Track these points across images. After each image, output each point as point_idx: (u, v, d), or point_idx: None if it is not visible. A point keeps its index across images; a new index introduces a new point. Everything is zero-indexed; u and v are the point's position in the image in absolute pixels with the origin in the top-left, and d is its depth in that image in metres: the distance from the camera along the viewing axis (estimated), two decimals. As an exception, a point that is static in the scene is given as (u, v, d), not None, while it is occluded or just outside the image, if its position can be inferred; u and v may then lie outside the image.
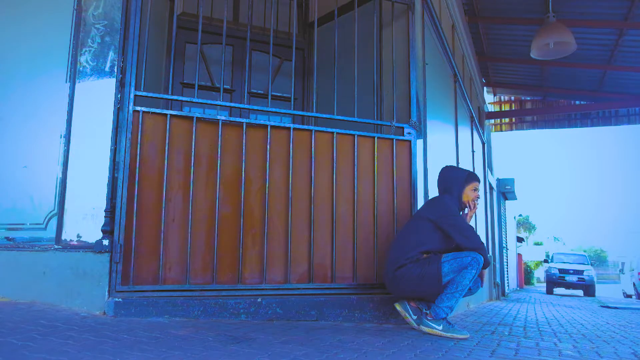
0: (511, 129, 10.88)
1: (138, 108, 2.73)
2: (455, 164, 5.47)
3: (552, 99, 9.79)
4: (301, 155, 3.10)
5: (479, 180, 3.06)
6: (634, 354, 2.62)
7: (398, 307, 2.83)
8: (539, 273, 29.82)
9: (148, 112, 2.76)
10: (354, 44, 3.36)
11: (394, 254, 2.78)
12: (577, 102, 9.47)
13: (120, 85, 2.80)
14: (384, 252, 3.18)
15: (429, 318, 2.68)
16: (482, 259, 2.65)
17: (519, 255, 18.61)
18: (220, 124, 2.91)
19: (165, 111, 2.82)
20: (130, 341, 1.92)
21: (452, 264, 2.63)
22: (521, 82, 9.24)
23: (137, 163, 2.69)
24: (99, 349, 1.74)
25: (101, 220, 2.69)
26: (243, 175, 2.93)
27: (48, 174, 2.91)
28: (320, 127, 3.19)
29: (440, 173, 3.05)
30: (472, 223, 3.04)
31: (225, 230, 2.86)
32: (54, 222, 2.85)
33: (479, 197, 3.02)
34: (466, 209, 3.00)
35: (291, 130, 3.09)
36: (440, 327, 2.63)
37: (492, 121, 10.52)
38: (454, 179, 2.95)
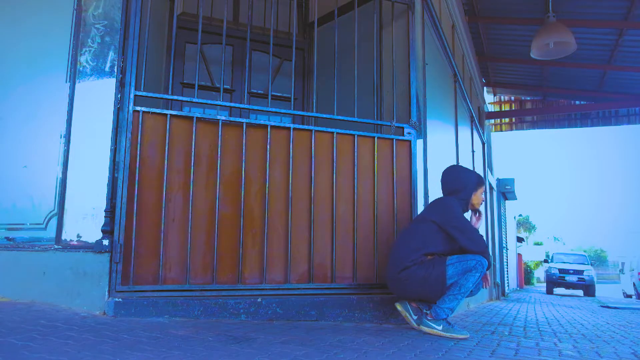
0: (511, 129, 10.88)
1: (138, 108, 2.73)
2: (455, 164, 5.46)
3: (552, 99, 9.79)
4: (301, 155, 3.10)
5: (484, 184, 3.04)
6: (634, 354, 2.62)
7: (399, 307, 2.83)
8: (539, 273, 29.83)
9: (148, 112, 2.76)
10: (354, 44, 3.36)
11: (397, 256, 2.77)
12: (577, 102, 9.47)
13: (120, 85, 2.80)
14: (384, 252, 3.18)
15: (429, 318, 2.68)
16: (487, 262, 2.65)
17: (519, 255, 18.61)
18: (220, 124, 2.91)
19: (165, 111, 2.82)
20: (130, 341, 1.92)
21: (456, 267, 2.63)
22: (521, 82, 9.25)
23: (137, 163, 2.69)
24: (99, 349, 1.74)
25: (101, 220, 2.69)
26: (243, 176, 2.93)
27: (48, 174, 2.91)
28: (320, 127, 3.19)
29: (448, 173, 2.99)
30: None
31: (225, 230, 2.86)
32: (54, 222, 2.85)
33: (484, 200, 3.01)
34: (471, 213, 2.99)
35: (291, 130, 3.09)
36: (440, 327, 2.64)
37: (492, 121, 10.52)
38: (466, 182, 2.91)
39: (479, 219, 2.99)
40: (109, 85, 2.85)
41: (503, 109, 10.48)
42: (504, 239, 11.00)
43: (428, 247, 2.72)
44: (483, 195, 2.99)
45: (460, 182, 2.92)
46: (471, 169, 2.93)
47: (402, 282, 2.71)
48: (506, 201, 12.45)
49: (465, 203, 2.91)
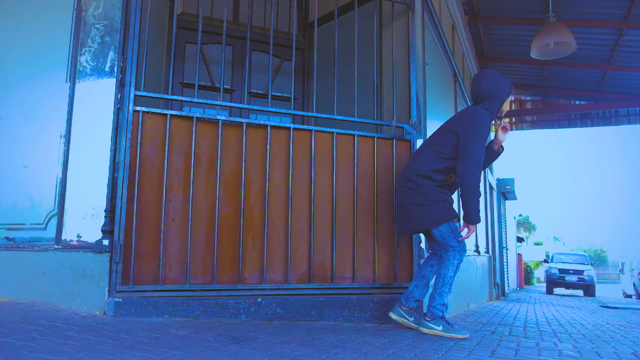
0: (511, 129, 10.88)
1: (138, 108, 2.73)
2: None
3: (552, 99, 9.78)
4: (301, 155, 3.10)
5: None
6: (634, 354, 2.62)
7: (393, 316, 2.83)
8: (539, 273, 29.80)
9: (148, 112, 2.76)
10: (354, 44, 3.36)
11: (418, 158, 2.80)
12: (577, 102, 9.47)
13: (120, 85, 2.80)
14: (385, 252, 3.19)
15: (427, 319, 2.68)
16: (463, 256, 2.68)
17: (519, 255, 18.60)
18: (220, 124, 2.91)
19: (165, 111, 2.82)
20: (130, 341, 1.92)
21: (448, 231, 2.65)
22: (521, 82, 9.24)
23: (137, 163, 2.69)
24: (99, 349, 1.75)
25: (101, 220, 2.69)
26: (243, 175, 2.93)
27: (48, 174, 2.91)
28: (320, 127, 3.19)
29: (485, 77, 2.87)
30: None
31: (225, 230, 2.86)
32: (54, 222, 2.85)
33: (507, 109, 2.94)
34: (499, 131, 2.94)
35: (291, 130, 3.09)
36: (440, 328, 2.64)
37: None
38: (503, 88, 2.82)
39: (505, 131, 2.94)
40: (109, 85, 2.85)
41: (503, 109, 10.46)
42: (504, 239, 11.00)
43: (447, 157, 2.73)
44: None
45: (498, 87, 2.82)
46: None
47: (415, 185, 2.72)
48: (506, 201, 12.44)
49: (497, 110, 2.83)
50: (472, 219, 2.67)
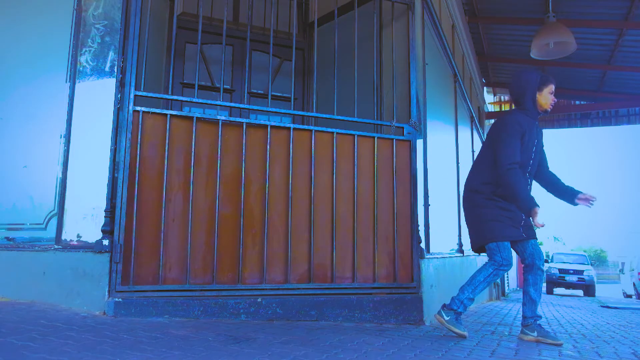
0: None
1: (138, 108, 2.73)
2: (455, 164, 5.46)
3: (552, 99, 9.78)
4: (301, 155, 3.10)
5: (555, 83, 2.85)
6: (634, 354, 2.62)
7: (525, 338, 2.85)
8: (539, 273, 29.75)
9: (148, 112, 2.76)
10: (354, 44, 3.36)
11: (471, 174, 2.92)
12: (577, 102, 9.47)
13: (120, 85, 2.80)
14: (385, 253, 3.19)
15: (444, 308, 2.76)
16: (501, 272, 2.70)
17: (519, 255, 18.56)
18: (220, 124, 2.91)
19: (165, 111, 2.82)
20: (130, 341, 1.92)
21: (493, 246, 2.71)
22: (521, 82, 9.23)
23: (137, 163, 2.69)
24: (99, 349, 1.75)
25: (101, 220, 2.69)
26: (243, 175, 2.93)
27: (48, 174, 2.91)
28: (320, 127, 3.19)
29: (512, 79, 2.89)
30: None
31: (225, 230, 2.86)
32: (54, 222, 2.85)
33: (555, 101, 2.85)
34: None
35: (291, 130, 3.09)
36: (447, 318, 2.72)
37: (492, 121, 10.49)
38: (525, 85, 2.76)
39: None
40: (109, 85, 2.85)
41: (503, 109, 10.48)
42: (504, 239, 10.98)
43: (490, 167, 2.79)
44: (552, 96, 2.80)
45: (519, 86, 2.77)
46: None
47: (468, 203, 2.86)
48: (506, 201, 12.44)
49: (532, 105, 2.76)
50: (523, 209, 2.65)
